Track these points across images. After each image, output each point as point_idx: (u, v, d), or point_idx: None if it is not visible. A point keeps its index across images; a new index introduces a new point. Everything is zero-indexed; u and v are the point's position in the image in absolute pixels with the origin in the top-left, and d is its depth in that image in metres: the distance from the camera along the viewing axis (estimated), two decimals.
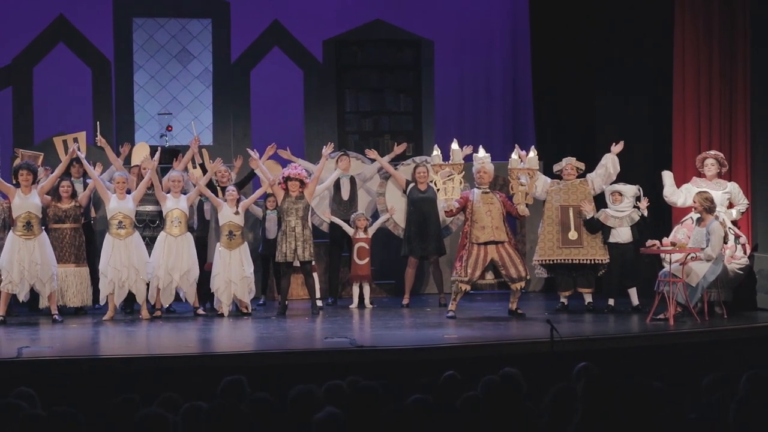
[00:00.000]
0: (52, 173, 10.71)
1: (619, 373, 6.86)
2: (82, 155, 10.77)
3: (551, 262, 10.73)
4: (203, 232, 11.04)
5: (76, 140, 11.97)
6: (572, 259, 10.65)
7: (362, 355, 8.33)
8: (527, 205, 10.30)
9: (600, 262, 10.62)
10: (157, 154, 10.82)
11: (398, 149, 11.98)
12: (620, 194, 10.60)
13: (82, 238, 10.72)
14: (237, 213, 10.63)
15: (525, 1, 13.77)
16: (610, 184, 10.75)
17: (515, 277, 10.20)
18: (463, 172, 10.23)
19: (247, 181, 11.49)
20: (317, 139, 13.48)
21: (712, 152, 10.68)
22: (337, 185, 11.59)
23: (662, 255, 10.12)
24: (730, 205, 10.53)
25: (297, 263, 10.77)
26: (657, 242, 10.04)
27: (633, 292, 10.61)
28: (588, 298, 10.76)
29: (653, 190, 10.85)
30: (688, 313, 9.81)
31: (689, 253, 9.82)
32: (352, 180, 11.74)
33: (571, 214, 10.70)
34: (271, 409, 4.69)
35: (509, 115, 14.69)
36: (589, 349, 8.31)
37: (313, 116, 14.09)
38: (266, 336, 9.35)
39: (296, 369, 7.86)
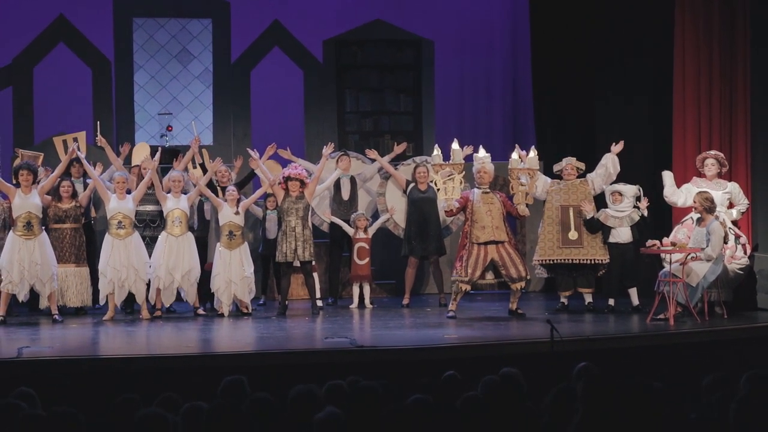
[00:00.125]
0: (52, 173, 10.71)
1: (619, 373, 6.86)
2: (81, 155, 10.77)
3: (551, 262, 10.74)
4: (203, 232, 11.03)
5: (75, 140, 11.97)
6: (572, 259, 10.65)
7: (362, 355, 8.33)
8: (527, 205, 10.30)
9: (600, 262, 10.62)
10: (158, 155, 10.83)
11: (398, 149, 11.98)
12: (620, 194, 10.60)
13: (82, 238, 10.73)
14: (237, 213, 10.63)
15: (525, 1, 13.77)
16: (610, 184, 10.75)
17: (515, 277, 10.20)
18: (464, 172, 10.23)
19: (248, 181, 11.49)
20: (317, 139, 13.48)
21: (713, 152, 10.68)
22: (337, 185, 11.59)
23: (662, 255, 10.12)
24: (731, 205, 10.53)
25: (297, 263, 10.77)
26: (657, 242, 10.04)
27: (633, 292, 10.61)
28: (588, 298, 10.76)
29: (653, 190, 10.85)
30: (688, 313, 9.81)
31: (689, 253, 9.82)
32: (353, 180, 11.74)
33: (571, 214, 10.70)
34: (271, 409, 4.69)
35: (509, 115, 14.69)
36: (589, 349, 8.31)
37: (313, 116, 14.10)
38: (266, 336, 9.35)
39: (296, 369, 7.86)
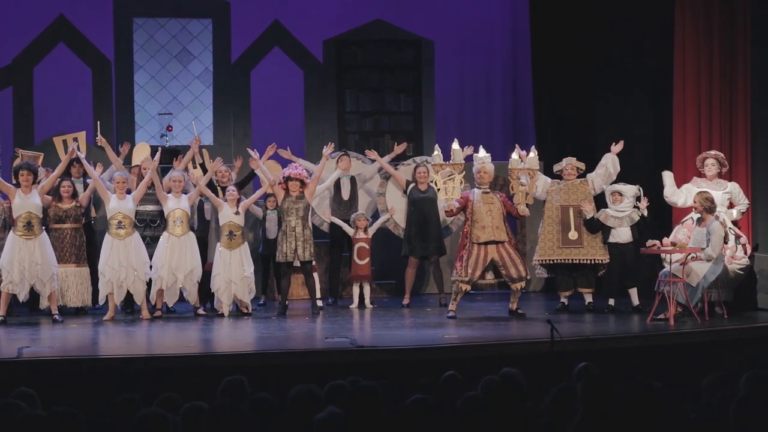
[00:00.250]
0: (52, 173, 10.71)
1: (619, 373, 6.87)
2: (81, 155, 10.77)
3: (551, 262, 10.74)
4: (203, 232, 11.03)
5: (75, 140, 11.96)
6: (572, 259, 10.65)
7: (362, 355, 8.33)
8: (527, 205, 10.30)
9: (600, 262, 10.62)
10: (158, 155, 10.83)
11: (398, 149, 11.98)
12: (620, 194, 10.60)
13: (82, 238, 10.73)
14: (237, 213, 10.63)
15: (525, 1, 13.77)
16: (610, 184, 10.75)
17: (515, 277, 10.20)
18: (464, 172, 10.23)
19: (248, 181, 11.50)
20: (317, 139, 13.48)
21: (713, 152, 10.68)
22: (337, 185, 11.59)
23: (662, 255, 10.12)
24: (731, 205, 10.53)
25: (297, 263, 10.77)
26: (657, 242, 10.03)
27: (633, 292, 10.61)
28: (588, 298, 10.76)
29: (653, 190, 10.85)
30: (688, 313, 9.81)
31: (689, 253, 9.82)
32: (353, 180, 11.74)
33: (571, 214, 10.70)
34: (271, 409, 4.69)
35: (509, 115, 14.69)
36: (589, 349, 8.30)
37: (313, 116, 14.10)
38: (266, 336, 9.35)
39: (296, 369, 7.86)
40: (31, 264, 10.07)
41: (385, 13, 14.33)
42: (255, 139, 13.48)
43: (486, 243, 10.19)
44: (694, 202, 10.06)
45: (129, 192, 10.56)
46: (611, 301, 10.66)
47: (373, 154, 11.92)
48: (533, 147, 10.67)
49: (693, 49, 11.15)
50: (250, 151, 11.13)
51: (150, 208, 10.76)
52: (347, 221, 11.51)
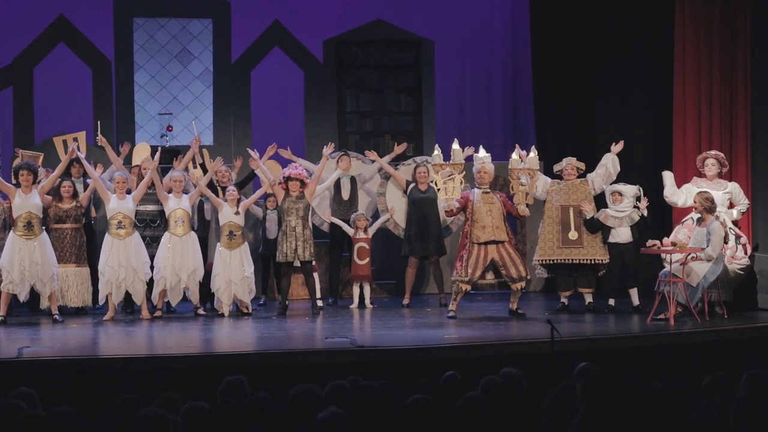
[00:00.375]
0: (52, 173, 10.70)
1: (619, 373, 6.86)
2: (81, 155, 10.77)
3: (551, 262, 10.74)
4: (203, 232, 11.03)
5: (75, 140, 11.96)
6: (572, 259, 10.65)
7: (363, 355, 8.33)
8: (527, 205, 10.30)
9: (600, 262, 10.62)
10: (158, 155, 10.82)
11: (398, 149, 11.99)
12: (620, 194, 10.60)
13: (83, 238, 10.73)
14: (237, 213, 10.63)
15: (525, 1, 13.77)
16: (611, 184, 10.75)
17: (515, 277, 10.20)
18: (464, 172, 10.23)
19: (248, 181, 11.50)
20: (318, 139, 13.48)
21: (713, 152, 10.68)
22: (337, 185, 11.60)
23: (663, 255, 10.12)
24: (731, 205, 10.53)
25: (297, 263, 10.77)
26: (657, 242, 10.03)
27: (634, 292, 10.61)
28: (588, 298, 10.76)
29: (653, 190, 10.85)
30: (688, 313, 9.81)
31: (690, 253, 9.82)
32: (353, 180, 11.74)
33: (571, 214, 10.70)
34: (271, 409, 4.69)
35: (509, 115, 14.69)
36: (589, 349, 8.30)
37: (313, 116, 14.10)
38: (266, 336, 9.35)
39: (296, 369, 7.86)
40: (31, 264, 10.07)
41: (385, 13, 14.33)
42: (255, 139, 13.48)
43: (486, 243, 10.19)
44: (695, 202, 10.06)
45: (129, 192, 10.56)
46: (611, 301, 10.66)
47: (372, 154, 11.92)
48: (533, 147, 10.67)
49: (693, 49, 11.15)
50: (250, 151, 11.14)
51: (150, 208, 10.76)
52: (347, 221, 11.50)
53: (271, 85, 14.10)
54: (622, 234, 10.58)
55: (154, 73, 14.27)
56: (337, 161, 11.54)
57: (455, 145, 10.23)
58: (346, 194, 11.68)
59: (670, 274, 9.76)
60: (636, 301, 10.58)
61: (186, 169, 11.12)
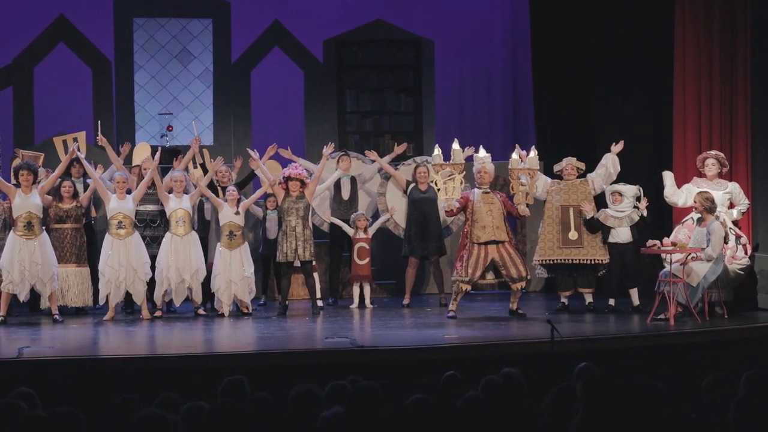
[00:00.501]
0: (52, 174, 10.70)
1: (619, 373, 6.86)
2: (81, 155, 10.77)
3: (551, 262, 10.74)
4: (204, 232, 11.03)
5: (75, 140, 11.97)
6: (572, 259, 10.65)
7: (363, 355, 8.33)
8: (528, 205, 10.30)
9: (600, 262, 10.62)
10: (158, 155, 10.82)
11: (398, 149, 11.99)
12: (620, 194, 10.60)
13: (83, 238, 10.73)
14: (237, 213, 10.63)
15: (525, 1, 13.77)
16: (611, 184, 10.75)
17: (516, 277, 10.20)
18: (464, 172, 10.23)
19: (248, 181, 11.50)
20: (318, 139, 13.47)
21: (713, 152, 10.68)
22: (337, 185, 11.60)
23: (663, 255, 10.12)
24: (731, 205, 10.53)
25: (297, 263, 10.77)
26: (657, 242, 10.03)
27: (634, 293, 10.61)
28: (588, 298, 10.76)
29: (653, 190, 10.85)
30: (688, 313, 9.81)
31: (690, 253, 9.82)
32: (353, 180, 11.74)
33: (571, 214, 10.70)
34: (271, 409, 4.69)
35: (509, 115, 14.69)
36: (589, 349, 8.30)
37: (313, 116, 14.09)
38: (267, 336, 9.35)
39: (297, 369, 7.86)
40: (31, 264, 10.07)
41: (385, 13, 14.33)
42: (255, 139, 13.48)
43: (486, 243, 10.19)
44: (695, 202, 10.06)
45: (129, 192, 10.56)
46: (611, 301, 10.66)
47: (373, 154, 11.92)
48: (533, 147, 10.67)
49: (693, 49, 11.15)
50: (250, 152, 11.13)
51: (150, 208, 10.76)
52: (347, 221, 11.50)
53: (271, 85, 14.09)
54: (621, 234, 10.58)
55: (154, 73, 14.27)
56: (338, 161, 11.54)
57: (455, 145, 10.23)
58: (346, 194, 11.68)
59: (671, 274, 9.76)
60: (636, 301, 10.58)
61: (186, 169, 11.12)
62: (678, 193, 10.61)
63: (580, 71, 12.73)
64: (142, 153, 12.17)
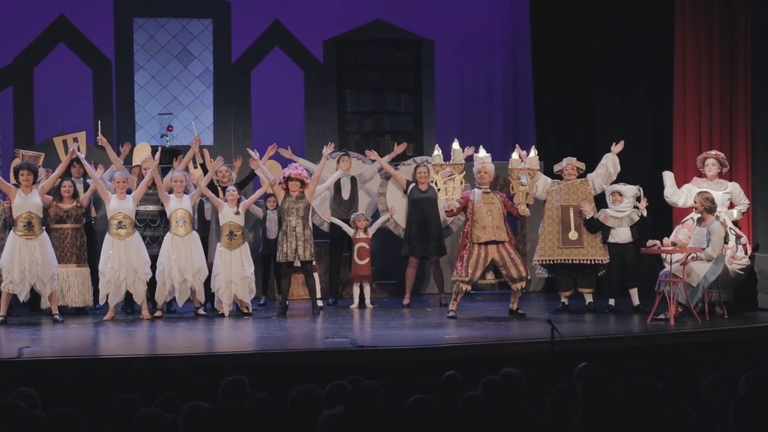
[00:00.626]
0: (52, 174, 10.70)
1: (619, 373, 6.87)
2: (82, 155, 10.78)
3: (551, 262, 10.74)
4: (204, 232, 11.03)
5: (76, 140, 11.97)
6: (572, 259, 10.65)
7: (363, 355, 8.33)
8: (528, 205, 10.30)
9: (600, 262, 10.62)
10: (158, 154, 10.82)
11: (398, 149, 11.98)
12: (620, 194, 10.60)
13: (83, 238, 10.74)
14: (237, 213, 10.63)
15: (525, 1, 13.77)
16: (611, 184, 10.75)
17: (516, 277, 10.20)
18: (464, 172, 10.23)
19: (248, 181, 11.50)
20: (318, 139, 13.48)
21: (713, 152, 10.68)
22: (337, 185, 11.60)
23: (663, 255, 10.12)
24: (731, 206, 10.53)
25: (298, 263, 10.77)
26: (657, 242, 10.03)
27: (634, 293, 10.61)
28: (589, 298, 10.76)
29: (654, 190, 10.85)
30: (688, 313, 9.80)
31: (690, 253, 9.82)
32: (353, 180, 11.74)
33: (571, 214, 10.70)
34: (271, 409, 4.69)
35: (510, 115, 14.70)
36: (589, 349, 8.30)
37: (313, 116, 14.10)
38: (267, 336, 9.35)
39: (297, 369, 7.86)
40: (31, 264, 10.07)
41: (385, 13, 14.33)
42: (255, 139, 13.48)
43: (486, 243, 10.19)
44: (695, 202, 10.05)
45: (129, 192, 10.56)
46: (611, 301, 10.66)
47: (373, 154, 11.92)
48: (533, 147, 10.66)
49: (693, 49, 11.15)
50: (251, 151, 11.13)
51: (150, 208, 10.76)
52: (347, 221, 11.50)
53: (271, 85, 14.10)
54: (621, 234, 10.58)
55: (155, 73, 14.27)
56: (338, 161, 11.54)
57: (455, 145, 10.23)
58: (346, 194, 11.68)
59: (671, 274, 9.76)
60: (636, 301, 10.58)
61: (186, 169, 11.12)
62: (678, 193, 10.61)
63: (580, 71, 12.73)
64: (142, 153, 12.17)
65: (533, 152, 10.36)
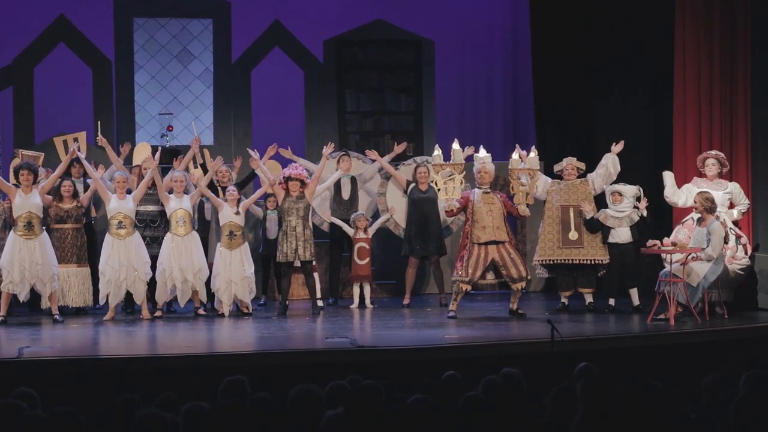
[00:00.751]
0: (53, 174, 10.70)
1: (619, 373, 6.87)
2: (82, 155, 10.78)
3: (552, 262, 10.74)
4: (204, 232, 11.03)
5: (76, 140, 11.97)
6: (572, 259, 10.65)
7: (363, 355, 8.33)
8: (528, 205, 10.30)
9: (600, 262, 10.62)
10: (158, 154, 10.82)
11: (398, 149, 11.98)
12: (620, 194, 10.60)
13: (83, 238, 10.74)
14: (237, 213, 10.63)
15: (525, 1, 13.77)
16: (611, 184, 10.75)
17: (516, 277, 10.20)
18: (464, 172, 10.23)
19: (248, 181, 11.50)
20: (318, 139, 13.48)
21: (713, 152, 10.68)
22: (337, 185, 11.60)
23: (663, 255, 10.12)
24: (731, 206, 10.53)
25: (298, 263, 10.77)
26: (657, 242, 10.03)
27: (634, 293, 10.61)
28: (589, 298, 10.77)
29: (654, 190, 10.85)
30: (688, 313, 9.80)
31: (690, 253, 9.82)
32: (353, 180, 11.74)
33: (571, 214, 10.70)
34: (271, 409, 4.69)
35: (510, 115, 14.70)
36: (589, 349, 8.30)
37: (313, 116, 14.10)
38: (267, 336, 9.35)
39: (297, 369, 7.86)
40: (31, 264, 10.07)
41: (385, 13, 14.33)
42: (255, 139, 13.49)
43: (486, 243, 10.19)
44: (695, 202, 10.06)
45: (129, 192, 10.56)
46: (611, 301, 10.66)
47: (373, 154, 11.92)
48: (533, 147, 10.66)
49: (693, 49, 11.15)
50: (251, 151, 11.14)
51: (150, 208, 10.76)
52: (347, 221, 11.50)
53: (271, 85, 14.10)
54: (621, 234, 10.58)
55: (155, 73, 14.28)
56: (338, 161, 11.54)
57: (455, 145, 10.23)
58: (346, 194, 11.68)
59: (671, 274, 9.76)
60: (636, 301, 10.58)
61: (186, 169, 11.12)
62: (678, 193, 10.61)
63: (580, 71, 12.73)
64: (142, 153, 12.17)
65: (533, 152, 10.36)
